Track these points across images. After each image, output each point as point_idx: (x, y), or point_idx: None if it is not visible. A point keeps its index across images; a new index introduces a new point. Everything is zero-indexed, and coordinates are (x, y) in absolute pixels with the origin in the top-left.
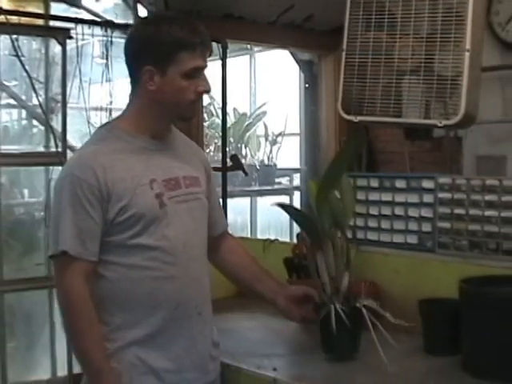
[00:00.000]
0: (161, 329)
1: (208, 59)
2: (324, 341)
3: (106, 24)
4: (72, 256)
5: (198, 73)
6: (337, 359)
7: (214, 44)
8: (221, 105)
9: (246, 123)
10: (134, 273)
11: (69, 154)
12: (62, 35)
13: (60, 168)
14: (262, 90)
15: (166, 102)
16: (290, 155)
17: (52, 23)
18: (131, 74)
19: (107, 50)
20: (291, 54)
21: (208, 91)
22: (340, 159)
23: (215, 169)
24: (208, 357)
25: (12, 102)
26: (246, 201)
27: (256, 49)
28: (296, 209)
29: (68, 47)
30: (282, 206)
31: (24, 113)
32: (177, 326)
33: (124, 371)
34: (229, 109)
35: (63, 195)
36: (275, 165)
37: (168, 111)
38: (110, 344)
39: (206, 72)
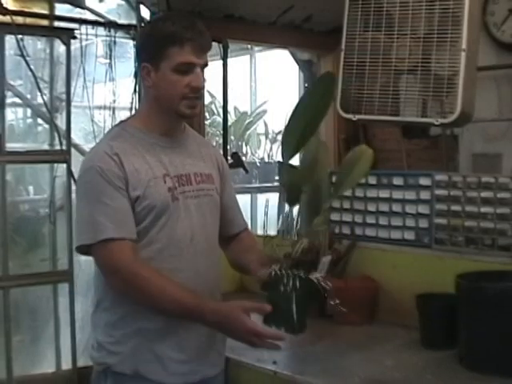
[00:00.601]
0: (166, 319)
1: (209, 58)
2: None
3: (110, 24)
4: (117, 239)
5: (190, 68)
6: (275, 327)
7: (215, 44)
8: (222, 103)
9: (247, 121)
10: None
11: (73, 152)
12: (67, 35)
13: (64, 165)
14: (262, 89)
15: (161, 98)
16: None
17: (56, 24)
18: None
19: (110, 50)
20: (291, 53)
21: (198, 87)
22: (303, 106)
23: None
24: (212, 350)
25: (17, 100)
26: (247, 197)
27: (256, 49)
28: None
29: (72, 47)
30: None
31: (29, 111)
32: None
33: (130, 357)
34: (230, 107)
35: (91, 186)
36: (275, 162)
37: (164, 108)
38: (117, 331)
39: (208, 70)
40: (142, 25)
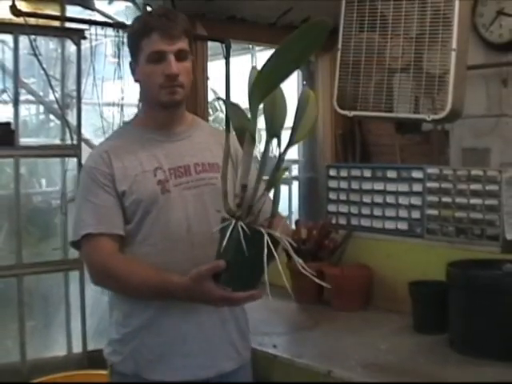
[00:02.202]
0: (166, 314)
1: (212, 58)
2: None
3: (118, 25)
4: (97, 234)
5: (161, 57)
6: (226, 286)
7: (218, 44)
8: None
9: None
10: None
11: (83, 146)
12: (77, 36)
13: (75, 159)
14: None
15: (145, 92)
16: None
17: (67, 24)
18: None
19: (119, 50)
20: None
21: (172, 74)
22: (285, 51)
23: None
24: (226, 343)
25: (30, 97)
26: None
27: (257, 48)
28: (233, 103)
29: (82, 47)
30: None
31: (41, 108)
32: (181, 311)
33: (131, 359)
34: None
35: (82, 185)
36: (275, 156)
37: (149, 99)
38: (123, 329)
39: (211, 69)
40: None
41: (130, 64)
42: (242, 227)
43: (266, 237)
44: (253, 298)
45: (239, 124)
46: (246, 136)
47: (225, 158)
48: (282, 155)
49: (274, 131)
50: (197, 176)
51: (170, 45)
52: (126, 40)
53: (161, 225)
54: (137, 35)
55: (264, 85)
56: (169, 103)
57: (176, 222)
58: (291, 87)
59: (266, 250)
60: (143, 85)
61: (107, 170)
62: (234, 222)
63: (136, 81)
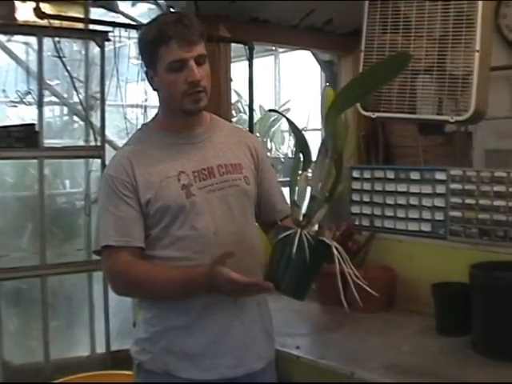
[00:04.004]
0: (195, 315)
1: (236, 60)
2: (273, 266)
3: (141, 27)
4: (117, 247)
5: (183, 64)
6: (276, 289)
7: (241, 46)
8: (248, 102)
9: (272, 119)
10: (166, 264)
11: (107, 147)
12: (101, 38)
13: (99, 160)
14: (285, 88)
15: (166, 99)
16: (311, 149)
17: (91, 27)
18: None
19: None
20: (313, 54)
21: (195, 80)
22: (372, 72)
23: None
24: (254, 342)
25: (54, 99)
26: None
27: (280, 50)
28: (295, 125)
29: (106, 49)
30: (280, 113)
31: (65, 109)
32: (210, 312)
33: (160, 356)
34: (255, 106)
35: (102, 195)
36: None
37: (171, 107)
38: (151, 328)
39: (234, 70)
40: None
41: (147, 73)
42: (306, 236)
43: (333, 248)
44: (255, 284)
45: (299, 137)
46: (320, 149)
47: (294, 168)
48: (338, 174)
49: (338, 151)
50: (221, 178)
51: (189, 51)
52: (139, 49)
53: (188, 229)
54: (154, 45)
55: (341, 104)
56: (193, 110)
57: (203, 226)
58: (314, 88)
59: (337, 261)
60: (165, 93)
61: (127, 179)
62: (299, 230)
63: (155, 89)
